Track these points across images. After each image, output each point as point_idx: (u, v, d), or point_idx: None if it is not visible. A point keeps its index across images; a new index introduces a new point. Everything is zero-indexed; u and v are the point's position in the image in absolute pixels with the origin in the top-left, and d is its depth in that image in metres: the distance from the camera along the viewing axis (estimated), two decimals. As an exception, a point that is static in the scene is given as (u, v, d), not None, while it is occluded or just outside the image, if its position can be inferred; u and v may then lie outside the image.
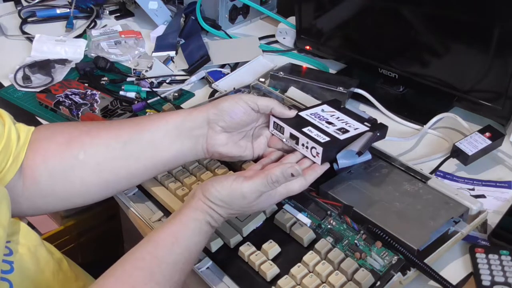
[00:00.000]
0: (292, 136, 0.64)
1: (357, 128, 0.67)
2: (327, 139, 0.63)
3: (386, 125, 0.69)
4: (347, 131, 0.66)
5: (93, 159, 0.63)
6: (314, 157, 0.62)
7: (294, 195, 0.60)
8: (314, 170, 0.62)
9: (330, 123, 0.67)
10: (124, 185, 0.67)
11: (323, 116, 0.68)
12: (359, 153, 0.63)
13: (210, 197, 0.57)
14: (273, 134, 0.67)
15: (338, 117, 0.69)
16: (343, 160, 0.64)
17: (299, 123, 0.66)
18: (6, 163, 0.60)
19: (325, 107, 0.71)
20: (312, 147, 0.62)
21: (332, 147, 0.63)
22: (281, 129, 0.66)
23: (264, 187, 0.56)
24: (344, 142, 0.64)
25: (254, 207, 0.58)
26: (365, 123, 0.68)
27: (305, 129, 0.64)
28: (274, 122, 0.66)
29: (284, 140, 0.65)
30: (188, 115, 0.64)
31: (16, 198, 0.62)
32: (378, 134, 0.67)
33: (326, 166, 0.64)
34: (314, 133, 0.64)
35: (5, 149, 0.60)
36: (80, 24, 1.20)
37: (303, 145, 0.63)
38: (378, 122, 0.70)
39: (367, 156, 0.67)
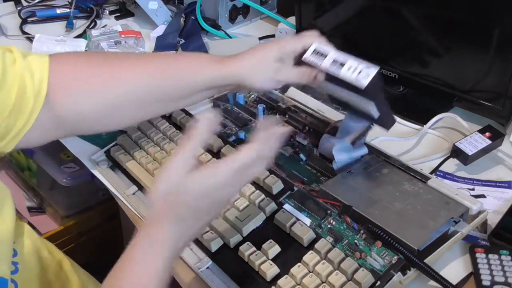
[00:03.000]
0: (335, 62, 0.63)
1: None
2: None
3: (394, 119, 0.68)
4: None
5: (127, 90, 0.65)
6: (361, 80, 0.60)
7: (294, 195, 0.60)
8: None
9: None
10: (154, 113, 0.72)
11: None
12: (353, 143, 0.64)
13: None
14: (304, 62, 0.65)
15: None
16: (340, 155, 0.64)
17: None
18: (26, 105, 0.60)
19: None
20: (362, 70, 0.61)
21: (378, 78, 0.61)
22: (322, 55, 0.64)
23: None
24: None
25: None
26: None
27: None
28: (316, 49, 0.64)
29: (321, 65, 0.63)
30: (218, 72, 0.66)
31: (49, 128, 0.63)
32: (371, 126, 0.67)
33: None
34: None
35: (21, 91, 0.59)
36: (80, 24, 1.20)
37: (349, 68, 0.61)
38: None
39: (363, 150, 0.67)
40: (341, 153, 0.66)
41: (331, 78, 0.64)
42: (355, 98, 0.64)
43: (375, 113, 0.64)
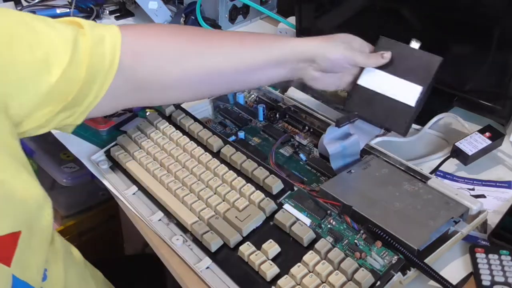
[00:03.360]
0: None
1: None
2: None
3: None
4: None
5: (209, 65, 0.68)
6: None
7: (294, 195, 0.60)
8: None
9: None
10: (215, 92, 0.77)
11: None
12: (337, 125, 0.69)
13: None
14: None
15: None
16: (330, 144, 0.67)
17: None
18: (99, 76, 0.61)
19: None
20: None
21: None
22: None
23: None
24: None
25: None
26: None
27: None
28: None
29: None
30: (295, 47, 0.71)
31: (121, 97, 0.65)
32: (356, 113, 0.73)
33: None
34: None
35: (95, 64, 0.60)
36: (80, 24, 1.20)
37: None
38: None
39: (354, 140, 0.69)
40: (332, 143, 0.68)
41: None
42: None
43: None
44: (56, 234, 0.67)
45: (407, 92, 0.72)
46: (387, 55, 0.74)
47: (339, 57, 0.71)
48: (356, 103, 0.74)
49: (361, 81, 0.74)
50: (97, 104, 0.62)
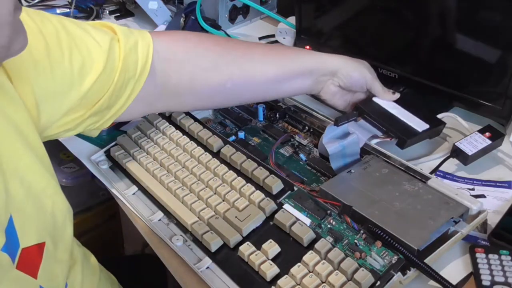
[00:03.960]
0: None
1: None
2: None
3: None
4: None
5: (238, 87, 0.70)
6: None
7: (294, 195, 0.60)
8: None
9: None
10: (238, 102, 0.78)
11: None
12: (336, 124, 0.71)
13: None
14: None
15: None
16: (330, 143, 0.68)
17: None
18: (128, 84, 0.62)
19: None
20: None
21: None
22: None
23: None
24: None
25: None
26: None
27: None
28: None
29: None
30: (322, 59, 0.74)
31: (152, 102, 0.67)
32: (355, 112, 0.76)
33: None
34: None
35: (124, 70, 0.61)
36: (80, 24, 1.20)
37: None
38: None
39: (354, 139, 0.70)
40: (331, 142, 0.69)
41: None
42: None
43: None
44: (74, 240, 0.68)
45: (415, 123, 0.76)
46: (397, 95, 0.79)
47: (361, 77, 0.75)
48: (366, 109, 0.77)
49: (376, 100, 0.79)
50: (127, 109, 0.63)
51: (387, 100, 0.78)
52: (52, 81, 0.55)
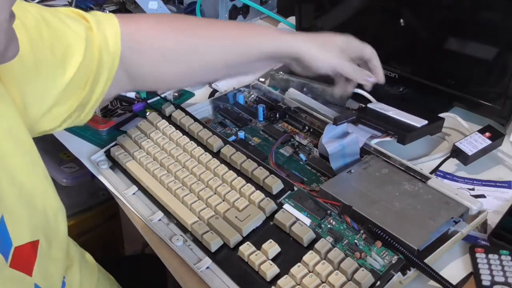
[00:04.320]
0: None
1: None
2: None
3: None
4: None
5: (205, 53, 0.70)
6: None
7: (294, 195, 0.60)
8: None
9: None
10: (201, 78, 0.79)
11: None
12: (335, 123, 0.70)
13: None
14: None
15: None
16: (329, 143, 0.68)
17: None
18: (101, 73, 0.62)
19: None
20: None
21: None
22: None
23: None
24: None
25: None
26: None
27: None
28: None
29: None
30: (286, 45, 0.71)
31: (122, 85, 0.67)
32: (354, 111, 0.76)
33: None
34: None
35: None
36: (80, 24, 1.20)
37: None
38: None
39: (353, 138, 0.70)
40: (331, 142, 0.69)
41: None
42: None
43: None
44: (70, 241, 0.67)
45: (414, 120, 0.76)
46: (373, 80, 0.75)
47: (324, 64, 0.71)
48: (362, 115, 0.77)
49: (371, 105, 0.79)
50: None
51: (381, 104, 0.78)
52: (36, 73, 0.55)
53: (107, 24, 0.63)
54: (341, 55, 0.71)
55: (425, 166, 0.75)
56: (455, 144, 0.74)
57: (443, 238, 0.59)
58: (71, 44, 0.58)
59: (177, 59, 0.68)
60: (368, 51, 0.74)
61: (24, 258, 0.51)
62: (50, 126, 0.60)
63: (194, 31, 0.70)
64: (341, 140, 0.70)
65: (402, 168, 0.68)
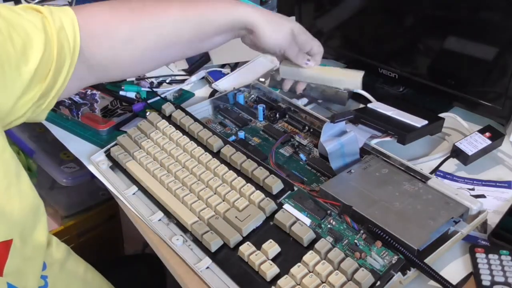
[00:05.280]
0: None
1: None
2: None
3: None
4: None
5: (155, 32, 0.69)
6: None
7: (294, 195, 0.60)
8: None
9: None
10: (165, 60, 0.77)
11: None
12: (332, 120, 0.71)
13: None
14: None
15: None
16: (328, 142, 0.68)
17: None
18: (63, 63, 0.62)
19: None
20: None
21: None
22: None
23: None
24: None
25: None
26: None
27: None
28: None
29: None
30: (242, 18, 0.72)
31: (83, 77, 0.67)
32: (352, 110, 0.76)
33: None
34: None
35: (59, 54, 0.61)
36: (80, 24, 1.20)
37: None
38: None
39: (352, 136, 0.70)
40: (329, 141, 0.69)
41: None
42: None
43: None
44: (54, 239, 0.67)
45: (413, 120, 0.77)
46: (311, 64, 0.79)
47: (274, 46, 0.74)
48: (362, 115, 0.77)
49: (371, 105, 0.80)
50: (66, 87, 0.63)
51: (380, 104, 0.79)
52: (1, 67, 0.55)
53: (62, 14, 0.63)
54: (291, 39, 0.74)
55: (425, 166, 0.75)
56: (455, 144, 0.74)
57: (443, 238, 0.59)
58: (30, 34, 0.58)
59: (135, 43, 0.68)
60: (316, 48, 0.79)
61: None
62: (15, 116, 0.60)
63: (148, 11, 0.69)
64: (339, 139, 0.70)
65: (402, 168, 0.68)
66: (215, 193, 0.67)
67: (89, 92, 0.91)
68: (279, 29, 0.73)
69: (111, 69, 0.69)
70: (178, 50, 0.73)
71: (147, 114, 0.83)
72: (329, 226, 0.62)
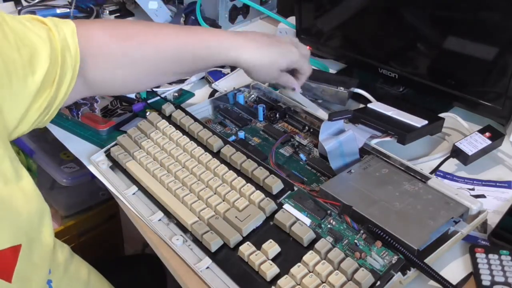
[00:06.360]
0: None
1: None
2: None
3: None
4: None
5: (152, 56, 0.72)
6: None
7: (294, 195, 0.60)
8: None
9: None
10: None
11: None
12: (330, 119, 0.72)
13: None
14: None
15: None
16: (326, 140, 0.68)
17: None
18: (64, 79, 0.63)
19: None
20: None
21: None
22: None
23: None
24: None
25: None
26: None
27: None
28: None
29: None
30: (227, 61, 0.74)
31: (80, 90, 0.68)
32: (350, 110, 0.76)
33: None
34: None
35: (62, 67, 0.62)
36: (80, 24, 1.20)
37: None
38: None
39: (350, 135, 0.71)
40: (328, 139, 0.70)
41: None
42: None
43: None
44: (57, 243, 0.67)
45: (413, 120, 0.77)
46: (297, 90, 0.81)
47: (265, 80, 0.80)
48: (362, 115, 0.77)
49: (371, 105, 0.80)
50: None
51: (380, 104, 0.80)
52: (7, 77, 0.55)
53: (65, 27, 0.64)
54: (279, 73, 0.77)
55: (425, 166, 0.75)
56: (455, 144, 0.74)
57: (443, 238, 0.59)
58: (36, 46, 0.59)
59: (128, 66, 0.70)
60: (306, 70, 0.80)
61: (4, 264, 0.50)
62: (24, 128, 0.60)
63: (144, 38, 0.71)
64: (337, 137, 0.70)
65: (402, 168, 0.68)
66: (215, 193, 0.67)
67: (89, 92, 0.91)
68: (267, 72, 0.75)
69: (106, 87, 0.72)
70: (168, 78, 0.77)
71: (147, 114, 0.83)
72: (329, 226, 0.62)
